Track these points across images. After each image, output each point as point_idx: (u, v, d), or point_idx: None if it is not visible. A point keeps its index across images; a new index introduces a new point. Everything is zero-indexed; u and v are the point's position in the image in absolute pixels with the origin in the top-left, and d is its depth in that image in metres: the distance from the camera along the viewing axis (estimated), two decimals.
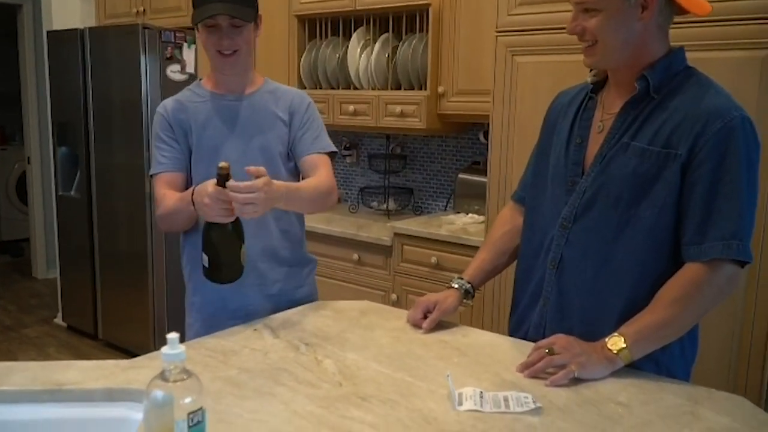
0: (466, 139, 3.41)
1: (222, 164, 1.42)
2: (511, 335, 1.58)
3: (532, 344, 1.41)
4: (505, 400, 1.19)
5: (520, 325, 1.58)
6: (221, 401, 1.19)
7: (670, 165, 1.32)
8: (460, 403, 1.18)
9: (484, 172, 2.83)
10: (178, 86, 3.86)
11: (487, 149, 2.60)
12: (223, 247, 1.52)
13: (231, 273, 1.56)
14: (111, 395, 1.23)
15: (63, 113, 4.11)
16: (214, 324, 1.70)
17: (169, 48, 3.69)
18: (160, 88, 3.68)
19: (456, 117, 3.10)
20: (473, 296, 1.63)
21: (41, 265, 5.58)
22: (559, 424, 1.13)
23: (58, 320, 4.49)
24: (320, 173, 1.75)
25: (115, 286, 4.01)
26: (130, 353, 3.69)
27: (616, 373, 1.32)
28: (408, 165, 3.64)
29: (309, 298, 1.89)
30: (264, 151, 1.75)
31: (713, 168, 1.29)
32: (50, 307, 4.74)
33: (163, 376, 0.87)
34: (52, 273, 5.07)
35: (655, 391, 1.27)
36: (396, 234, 2.99)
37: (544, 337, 1.40)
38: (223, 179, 1.41)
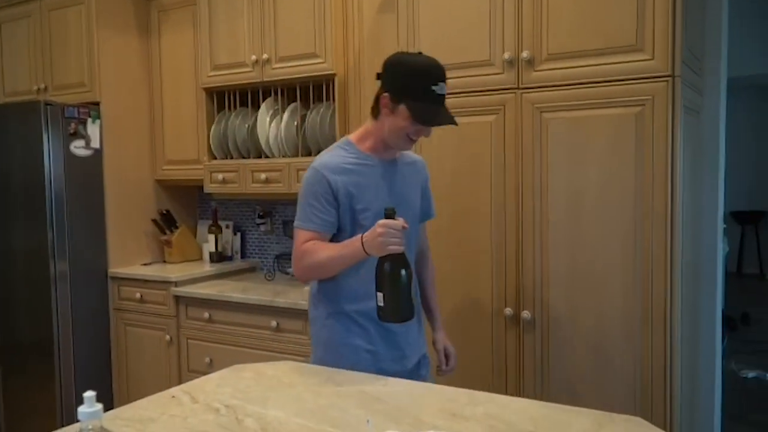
0: None
1: (389, 207, 1.65)
2: None
3: (445, 388, 1.46)
4: None
5: None
6: None
7: None
8: None
9: None
10: (83, 162, 3.85)
11: None
12: (397, 283, 1.58)
13: (407, 310, 1.61)
14: None
15: None
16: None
17: (73, 124, 3.64)
18: (63, 165, 3.60)
19: None
20: None
21: None
22: None
23: None
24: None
25: (18, 378, 3.76)
26: None
27: (528, 404, 1.38)
28: None
29: None
30: (412, 209, 1.99)
31: None
32: None
33: None
34: None
35: (564, 419, 1.34)
36: None
37: None
38: (390, 217, 1.61)
